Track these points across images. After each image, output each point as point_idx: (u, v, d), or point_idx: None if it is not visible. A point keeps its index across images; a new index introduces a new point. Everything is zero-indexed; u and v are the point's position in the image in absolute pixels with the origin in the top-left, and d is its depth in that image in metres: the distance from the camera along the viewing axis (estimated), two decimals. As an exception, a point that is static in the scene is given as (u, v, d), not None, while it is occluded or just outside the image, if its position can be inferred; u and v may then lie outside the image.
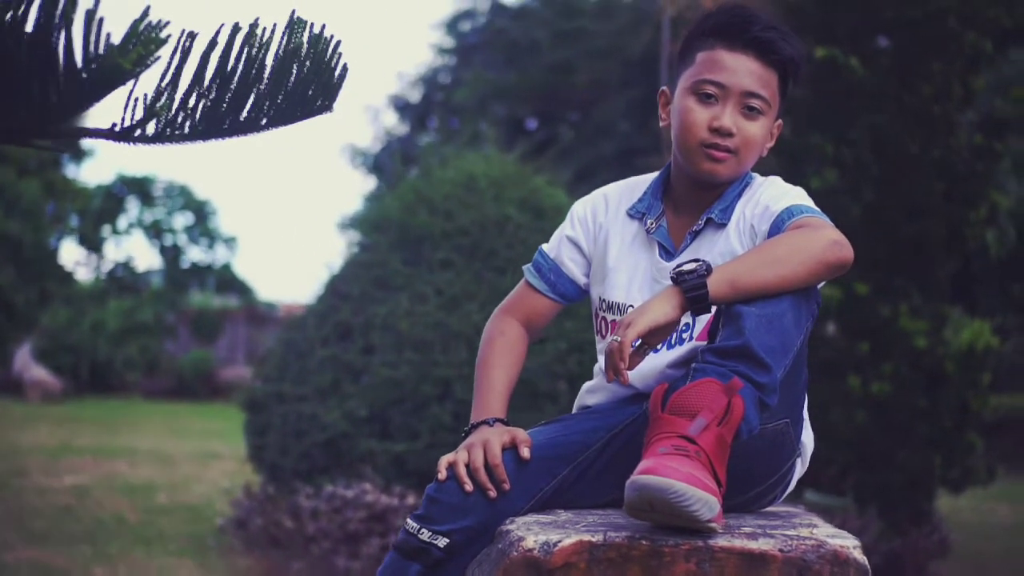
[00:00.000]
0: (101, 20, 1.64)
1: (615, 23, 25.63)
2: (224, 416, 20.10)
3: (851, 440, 7.75)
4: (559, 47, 26.69)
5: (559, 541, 2.20)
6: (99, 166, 70.03)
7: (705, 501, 2.18)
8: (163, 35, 1.73)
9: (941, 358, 7.76)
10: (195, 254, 31.78)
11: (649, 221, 3.02)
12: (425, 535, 2.71)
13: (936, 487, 7.97)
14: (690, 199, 3.00)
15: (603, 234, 3.09)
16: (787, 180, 2.98)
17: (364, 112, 42.32)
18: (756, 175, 3.02)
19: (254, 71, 1.87)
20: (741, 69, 2.87)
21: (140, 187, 31.71)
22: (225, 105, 1.90)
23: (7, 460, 12.48)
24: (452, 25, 29.44)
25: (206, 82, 1.86)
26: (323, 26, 1.98)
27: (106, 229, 31.52)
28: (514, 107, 28.39)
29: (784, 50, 2.91)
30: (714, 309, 2.64)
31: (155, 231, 31.46)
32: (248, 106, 1.93)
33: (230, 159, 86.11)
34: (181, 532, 8.70)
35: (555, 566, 2.19)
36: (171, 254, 31.40)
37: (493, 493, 2.73)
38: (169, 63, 1.82)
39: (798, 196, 2.85)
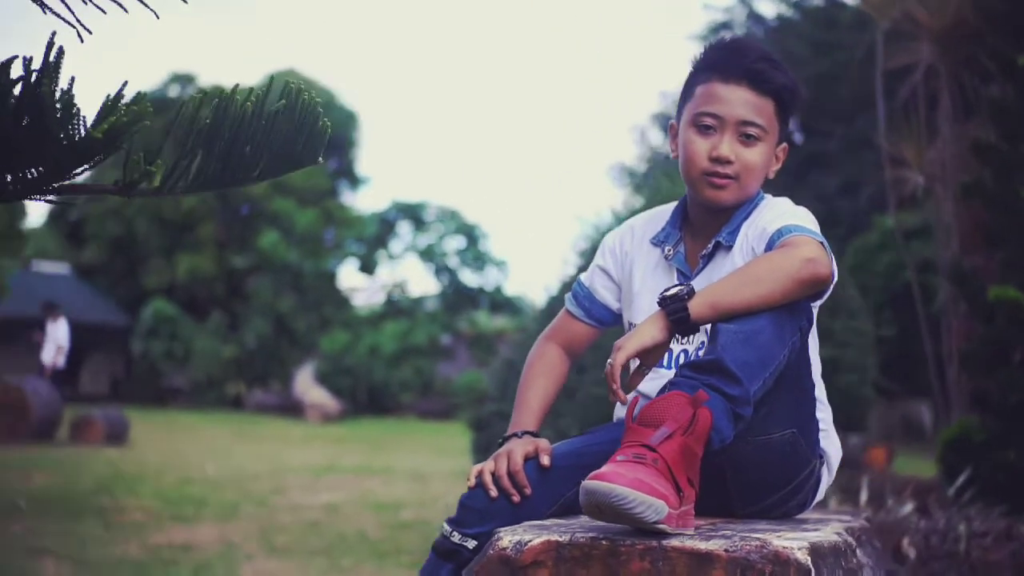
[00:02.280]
0: (72, 98, 1.98)
1: (871, 35, 25.24)
2: (491, 435, 20.68)
3: None
4: (818, 58, 26.40)
5: (530, 541, 2.43)
6: (374, 193, 72.38)
7: (649, 504, 2.35)
8: (141, 107, 2.06)
9: None
10: (467, 277, 32.57)
11: (667, 248, 3.22)
12: (456, 537, 2.97)
13: None
14: (704, 224, 3.19)
15: (629, 262, 3.32)
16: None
17: (630, 132, 42.60)
18: (768, 197, 3.18)
19: (241, 131, 2.19)
20: (736, 99, 3.06)
21: (413, 213, 32.75)
22: (216, 164, 2.22)
23: (273, 478, 13.22)
24: (708, 38, 29.43)
25: (191, 144, 2.18)
26: (300, 87, 2.30)
27: (381, 254, 32.62)
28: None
29: (776, 79, 3.08)
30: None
31: (428, 255, 32.39)
32: (239, 164, 2.25)
33: (499, 182, 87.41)
34: (418, 547, 9.11)
35: (525, 563, 2.41)
36: (444, 277, 32.27)
37: (516, 498, 2.98)
38: (171, 125, 2.16)
39: (794, 216, 2.98)
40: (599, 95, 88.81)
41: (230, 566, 7.96)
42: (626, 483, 2.36)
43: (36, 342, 20.41)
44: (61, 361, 19.60)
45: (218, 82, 40.28)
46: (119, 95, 2.03)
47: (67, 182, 2.15)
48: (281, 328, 29.70)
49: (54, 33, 2.05)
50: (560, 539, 2.41)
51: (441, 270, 32.33)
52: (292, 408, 26.58)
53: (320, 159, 2.39)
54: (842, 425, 8.34)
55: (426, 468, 14.75)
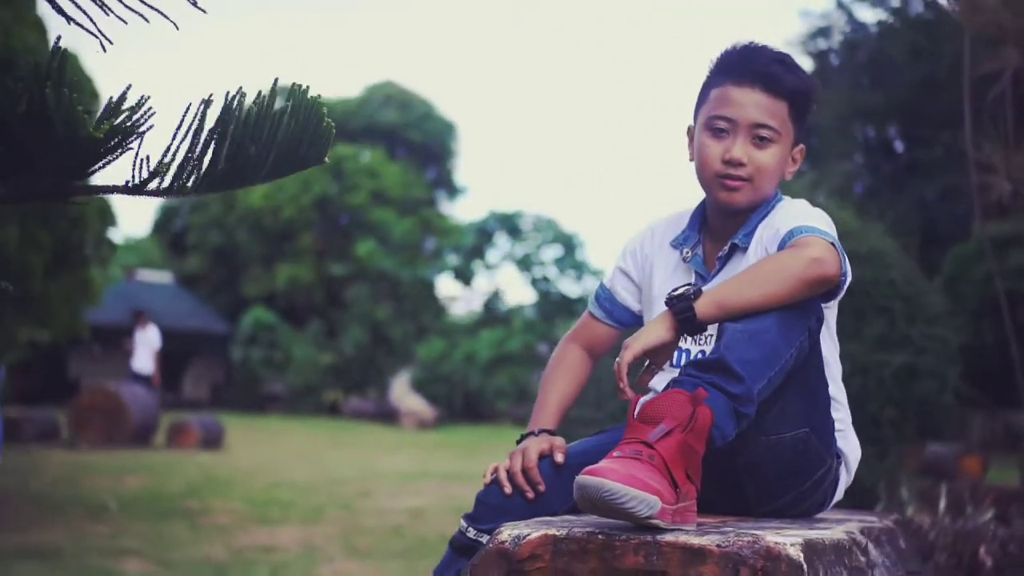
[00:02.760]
0: (73, 98, 2.03)
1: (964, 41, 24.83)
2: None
3: None
4: (918, 65, 26.07)
5: (528, 535, 2.45)
6: (472, 203, 72.76)
7: (641, 499, 2.34)
8: (144, 110, 2.11)
9: None
10: (564, 285, 32.59)
11: (686, 250, 3.22)
12: (472, 533, 3.01)
13: None
14: (721, 227, 3.19)
15: (649, 264, 3.32)
16: None
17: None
18: (786, 199, 3.17)
19: (247, 132, 2.23)
20: (748, 102, 3.06)
21: (510, 222, 32.86)
22: (223, 164, 2.26)
23: (361, 483, 13.34)
24: (807, 45, 29.19)
25: (199, 147, 2.22)
26: (307, 87, 2.33)
27: (478, 263, 32.78)
28: (879, 127, 27.87)
29: (788, 81, 3.08)
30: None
31: (525, 264, 32.47)
32: (245, 164, 2.28)
33: (597, 191, 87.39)
34: (496, 550, 9.17)
35: (522, 557, 2.43)
36: (541, 286, 32.33)
37: (530, 494, 3.00)
38: (178, 126, 2.20)
39: (808, 217, 2.96)
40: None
41: (308, 567, 8.06)
42: (618, 478, 2.36)
43: (127, 350, 20.76)
44: (153, 367, 19.90)
45: (316, 94, 40.67)
46: (122, 98, 2.08)
47: (80, 183, 2.20)
48: (378, 336, 29.97)
49: (59, 38, 2.10)
50: (557, 533, 2.42)
51: (538, 279, 32.37)
52: (388, 415, 26.80)
53: (326, 159, 2.42)
54: (918, 432, 8.25)
55: (514, 474, 14.76)
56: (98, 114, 2.16)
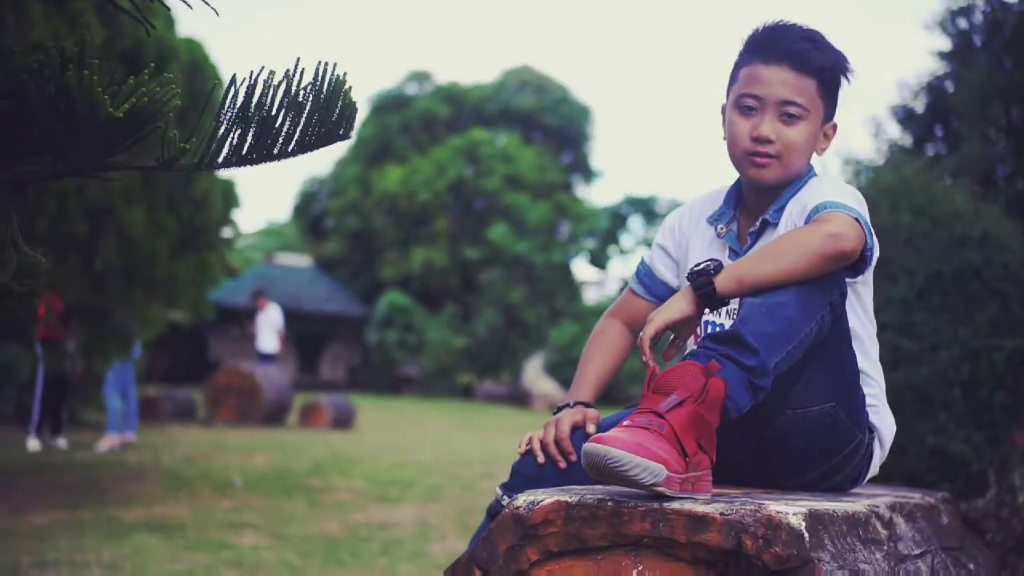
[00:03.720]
0: (95, 81, 2.13)
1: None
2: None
3: None
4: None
5: (541, 501, 2.51)
6: (607, 187, 72.60)
7: (646, 467, 2.37)
8: (165, 89, 2.20)
9: None
10: (696, 270, 32.37)
11: (720, 226, 3.28)
12: (506, 501, 3.07)
13: None
14: (755, 203, 3.24)
15: (686, 240, 3.38)
16: None
17: (864, 123, 41.67)
18: (818, 175, 3.23)
19: (276, 109, 2.32)
20: (776, 80, 3.10)
21: (645, 206, 32.77)
22: (251, 141, 2.35)
23: (485, 464, 13.41)
24: (948, 24, 28.56)
25: (226, 122, 2.32)
26: (335, 65, 2.41)
27: (612, 248, 32.73)
28: (1023, 108, 27.20)
29: (816, 58, 3.11)
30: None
31: (659, 248, 32.33)
32: (273, 140, 2.37)
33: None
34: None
35: (536, 522, 2.49)
36: (674, 270, 32.13)
37: (562, 464, 3.07)
38: (206, 105, 2.30)
39: (837, 193, 2.98)
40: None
41: (420, 544, 8.15)
42: (623, 446, 2.41)
43: (249, 332, 21.13)
44: (278, 345, 20.22)
45: (453, 79, 41.11)
46: (141, 78, 2.18)
47: (111, 160, 2.30)
48: (511, 319, 30.11)
49: (81, 25, 2.22)
50: (569, 500, 2.49)
51: (672, 262, 32.13)
52: (520, 398, 26.93)
53: (352, 135, 2.50)
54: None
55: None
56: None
